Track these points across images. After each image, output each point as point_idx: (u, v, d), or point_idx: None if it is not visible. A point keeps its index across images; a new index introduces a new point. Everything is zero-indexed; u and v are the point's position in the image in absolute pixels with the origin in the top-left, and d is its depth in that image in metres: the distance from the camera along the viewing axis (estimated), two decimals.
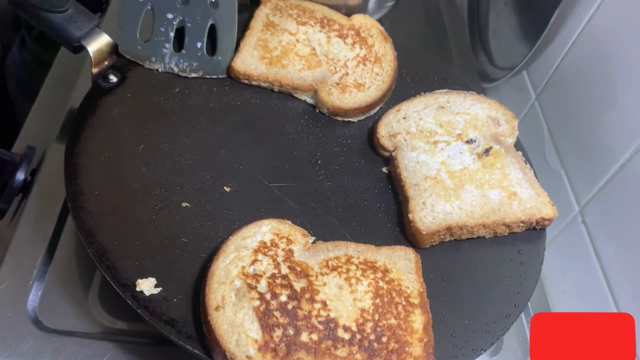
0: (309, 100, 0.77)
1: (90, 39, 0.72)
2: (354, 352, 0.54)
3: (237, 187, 0.67)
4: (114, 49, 0.75)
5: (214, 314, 0.54)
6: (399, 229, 0.67)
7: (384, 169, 0.73)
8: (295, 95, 0.77)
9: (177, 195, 0.65)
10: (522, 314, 0.70)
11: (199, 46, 0.76)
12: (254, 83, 0.77)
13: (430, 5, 1.16)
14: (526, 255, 0.66)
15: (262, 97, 0.76)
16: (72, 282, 0.69)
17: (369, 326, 0.56)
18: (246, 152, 0.70)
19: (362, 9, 0.94)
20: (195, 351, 0.54)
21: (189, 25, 0.76)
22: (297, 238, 0.62)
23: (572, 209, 0.78)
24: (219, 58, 0.77)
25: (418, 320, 0.57)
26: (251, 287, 0.56)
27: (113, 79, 0.73)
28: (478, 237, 0.67)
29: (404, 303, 0.58)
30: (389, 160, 0.72)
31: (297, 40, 0.79)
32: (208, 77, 0.76)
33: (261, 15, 0.81)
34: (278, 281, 0.57)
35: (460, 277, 0.64)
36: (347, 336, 0.55)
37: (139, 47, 0.75)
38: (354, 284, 0.58)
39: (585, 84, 0.78)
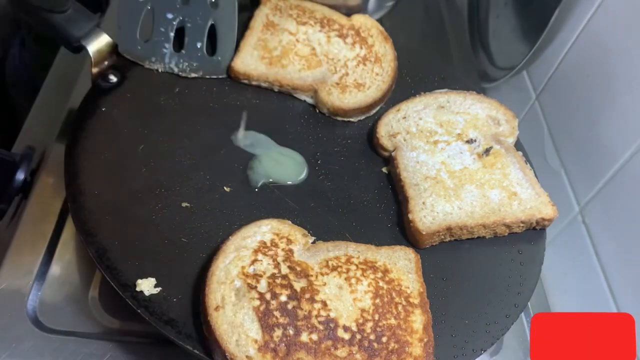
0: (309, 100, 0.77)
1: (90, 39, 0.72)
2: (354, 352, 0.54)
3: (237, 187, 0.67)
4: (114, 49, 0.75)
5: (214, 314, 0.54)
6: (399, 229, 0.67)
7: (384, 169, 0.73)
8: (295, 95, 0.77)
9: (177, 195, 0.65)
10: (522, 314, 0.70)
11: (199, 46, 0.76)
12: (254, 83, 0.77)
13: (430, 5, 1.16)
14: (526, 255, 0.66)
15: (262, 97, 0.76)
16: (72, 282, 0.69)
17: (369, 326, 0.56)
18: (246, 152, 0.70)
19: (362, 9, 0.94)
20: (195, 351, 0.54)
21: (189, 25, 0.76)
22: (297, 238, 0.62)
23: (572, 209, 0.78)
24: (219, 58, 0.77)
25: (418, 320, 0.57)
26: (251, 287, 0.56)
27: (113, 79, 0.73)
28: (478, 237, 0.67)
29: (404, 303, 0.58)
30: (389, 160, 0.72)
31: (297, 40, 0.79)
32: (208, 77, 0.76)
33: (261, 15, 0.81)
34: (278, 281, 0.57)
35: (460, 277, 0.64)
36: (347, 336, 0.55)
37: (139, 47, 0.75)
38: (354, 284, 0.58)
39: (585, 84, 0.78)
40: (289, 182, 0.68)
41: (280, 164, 0.69)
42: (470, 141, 0.72)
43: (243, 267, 0.57)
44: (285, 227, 0.62)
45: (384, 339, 0.55)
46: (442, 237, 0.65)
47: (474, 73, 1.02)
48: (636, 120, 0.68)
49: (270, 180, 0.68)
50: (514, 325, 0.61)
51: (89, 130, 0.68)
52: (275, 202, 0.67)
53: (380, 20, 0.87)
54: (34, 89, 0.91)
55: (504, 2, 0.96)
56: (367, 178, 0.71)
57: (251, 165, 0.69)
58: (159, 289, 0.57)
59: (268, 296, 0.56)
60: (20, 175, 0.73)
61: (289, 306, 0.55)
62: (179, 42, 0.76)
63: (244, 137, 0.70)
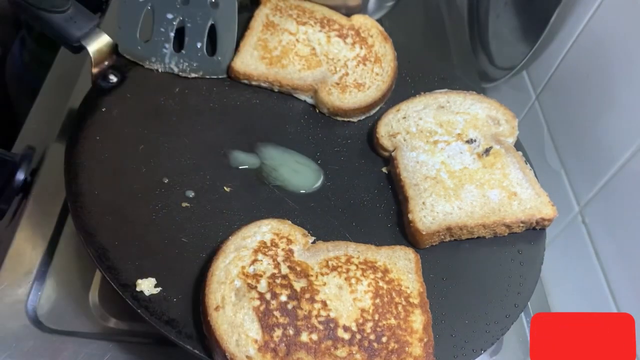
0: (309, 100, 0.77)
1: (90, 39, 0.72)
2: (354, 352, 0.54)
3: (237, 187, 0.67)
4: (114, 49, 0.75)
5: (214, 314, 0.54)
6: (399, 229, 0.67)
7: (384, 169, 0.73)
8: (295, 95, 0.77)
9: (177, 195, 0.65)
10: (522, 314, 0.70)
11: (199, 46, 0.76)
12: (254, 83, 0.77)
13: (430, 5, 1.16)
14: (526, 255, 0.66)
15: (262, 97, 0.77)
16: (72, 282, 0.69)
17: (368, 326, 0.56)
18: (247, 152, 0.70)
19: (362, 9, 0.94)
20: (195, 351, 0.54)
21: (189, 25, 0.76)
22: (297, 238, 0.62)
23: (572, 209, 0.78)
24: (219, 58, 0.77)
25: (418, 320, 0.57)
26: (251, 287, 0.56)
27: (113, 79, 0.73)
28: (478, 237, 0.67)
29: (404, 303, 0.58)
30: (389, 160, 0.72)
31: (297, 40, 0.79)
32: (208, 77, 0.76)
33: (261, 15, 0.81)
34: (278, 281, 0.57)
35: (460, 277, 0.64)
36: (347, 336, 0.55)
37: (139, 47, 0.75)
38: (354, 284, 0.58)
39: (585, 83, 0.78)
40: (302, 191, 0.68)
41: (299, 173, 0.69)
42: (470, 141, 0.72)
43: (243, 267, 0.57)
44: (285, 227, 0.62)
45: (384, 339, 0.55)
46: (442, 237, 0.65)
47: (474, 73, 1.02)
48: (636, 120, 0.68)
49: (286, 187, 0.68)
50: (514, 325, 0.61)
51: (89, 130, 0.68)
52: (275, 202, 0.67)
53: (380, 20, 0.87)
54: (34, 89, 0.91)
55: (504, 2, 0.96)
56: (367, 178, 0.71)
57: (262, 169, 0.69)
58: (159, 289, 0.57)
59: (268, 296, 0.56)
60: (20, 175, 0.73)
61: (289, 306, 0.55)
62: (179, 42, 0.76)
63: (246, 156, 0.69)
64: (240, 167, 0.69)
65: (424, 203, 0.65)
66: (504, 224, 0.66)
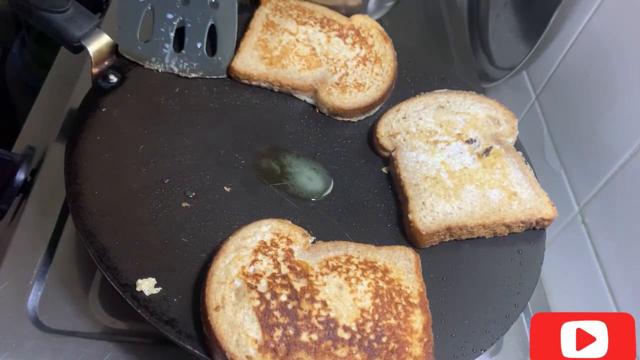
0: (309, 100, 0.77)
1: (90, 39, 0.72)
2: (354, 352, 0.54)
3: (237, 187, 0.67)
4: (114, 49, 0.75)
5: (214, 314, 0.54)
6: (399, 229, 0.67)
7: (384, 169, 0.73)
8: (295, 95, 0.77)
9: (177, 195, 0.65)
10: (522, 314, 0.70)
11: (199, 46, 0.76)
12: (254, 83, 0.77)
13: (430, 5, 1.16)
14: (526, 255, 0.66)
15: (262, 97, 0.77)
16: (72, 282, 0.69)
17: (368, 326, 0.56)
18: (246, 152, 0.70)
19: (362, 9, 0.94)
20: (195, 351, 0.54)
21: (189, 25, 0.76)
22: (297, 238, 0.62)
23: (572, 209, 0.78)
24: (219, 58, 0.77)
25: (418, 320, 0.57)
26: (251, 287, 0.56)
27: (113, 79, 0.73)
28: (478, 237, 0.67)
29: (403, 303, 0.58)
30: (389, 160, 0.72)
31: (297, 40, 0.79)
32: (208, 77, 0.76)
33: (261, 15, 0.81)
34: (278, 281, 0.57)
35: (460, 277, 0.64)
36: (347, 336, 0.55)
37: (139, 47, 0.75)
38: (354, 283, 0.58)
39: (585, 84, 0.78)
40: (313, 199, 0.68)
41: (312, 181, 0.68)
42: (470, 141, 0.72)
43: (243, 267, 0.57)
44: (285, 227, 0.62)
45: (384, 339, 0.55)
46: (442, 237, 0.65)
47: (474, 73, 1.02)
48: (636, 120, 0.68)
49: (299, 195, 0.68)
50: (514, 325, 0.61)
51: (89, 130, 0.68)
52: (275, 202, 0.67)
53: (380, 20, 0.88)
54: (34, 89, 0.91)
55: (504, 2, 0.96)
56: (367, 178, 0.71)
57: (282, 184, 0.68)
58: (159, 289, 0.57)
59: (268, 296, 0.56)
60: (20, 175, 0.73)
61: (289, 306, 0.55)
62: (179, 42, 0.76)
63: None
64: (245, 171, 0.69)
65: (423, 203, 0.65)
66: (504, 224, 0.66)
